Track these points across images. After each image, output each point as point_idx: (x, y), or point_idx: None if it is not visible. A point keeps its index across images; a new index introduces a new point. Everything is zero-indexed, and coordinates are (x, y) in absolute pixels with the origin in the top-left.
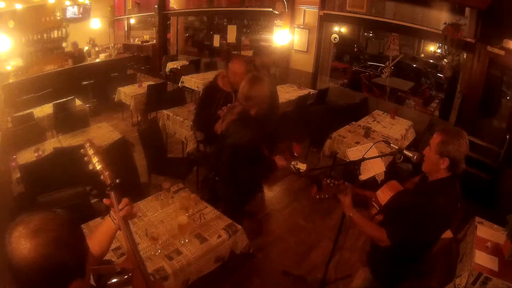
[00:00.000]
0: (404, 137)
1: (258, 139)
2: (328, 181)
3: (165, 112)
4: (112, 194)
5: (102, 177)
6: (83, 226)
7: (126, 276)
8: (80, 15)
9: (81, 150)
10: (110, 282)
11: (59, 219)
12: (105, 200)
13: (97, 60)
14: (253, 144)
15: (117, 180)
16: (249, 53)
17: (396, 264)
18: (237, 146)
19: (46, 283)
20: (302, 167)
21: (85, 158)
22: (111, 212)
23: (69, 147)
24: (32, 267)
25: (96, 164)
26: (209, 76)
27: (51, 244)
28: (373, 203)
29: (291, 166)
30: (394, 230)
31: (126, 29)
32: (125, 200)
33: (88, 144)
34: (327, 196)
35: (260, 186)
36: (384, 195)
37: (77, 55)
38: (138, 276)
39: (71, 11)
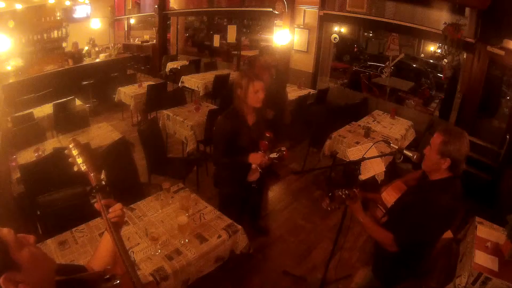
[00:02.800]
0: (404, 137)
1: (239, 133)
2: (341, 193)
3: (165, 112)
4: (99, 196)
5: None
6: (83, 226)
7: (115, 283)
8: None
9: (65, 151)
10: None
11: None
12: (96, 205)
13: (97, 60)
14: (231, 136)
15: (103, 182)
16: (251, 52)
17: (398, 263)
18: (216, 134)
19: None
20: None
21: (69, 160)
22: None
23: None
24: None
25: (81, 165)
26: (209, 76)
27: None
28: (379, 205)
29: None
30: (400, 236)
31: (126, 29)
32: (118, 205)
33: (72, 144)
34: (338, 206)
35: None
36: (390, 197)
37: (77, 56)
38: (128, 282)
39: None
